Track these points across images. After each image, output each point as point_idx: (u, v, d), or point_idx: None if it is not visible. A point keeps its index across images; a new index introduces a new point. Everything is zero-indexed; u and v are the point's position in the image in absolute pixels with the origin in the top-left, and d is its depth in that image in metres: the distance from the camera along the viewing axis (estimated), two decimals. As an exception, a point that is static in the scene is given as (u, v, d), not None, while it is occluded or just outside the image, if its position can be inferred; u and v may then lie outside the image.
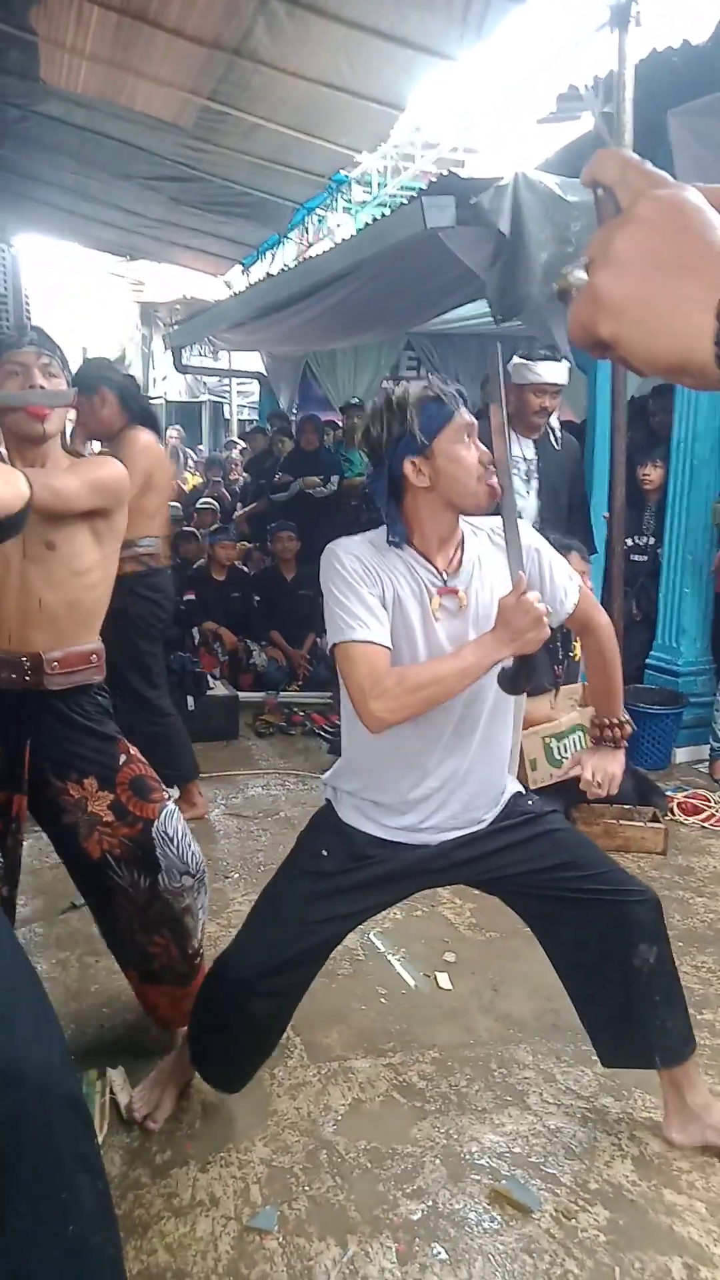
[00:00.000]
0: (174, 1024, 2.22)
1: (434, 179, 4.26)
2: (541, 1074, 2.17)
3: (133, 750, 2.09)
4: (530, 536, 1.75)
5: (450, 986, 2.54)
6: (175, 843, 2.05)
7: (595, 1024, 1.91)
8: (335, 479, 6.84)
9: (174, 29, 4.76)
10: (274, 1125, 2.00)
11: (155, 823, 2.04)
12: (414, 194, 4.39)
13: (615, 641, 1.88)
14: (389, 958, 2.68)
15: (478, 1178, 1.85)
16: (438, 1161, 1.90)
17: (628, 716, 1.91)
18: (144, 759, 2.10)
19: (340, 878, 1.79)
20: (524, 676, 1.62)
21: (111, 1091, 2.06)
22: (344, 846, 1.80)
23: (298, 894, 1.81)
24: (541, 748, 3.45)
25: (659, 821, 3.50)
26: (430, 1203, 1.79)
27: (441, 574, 1.68)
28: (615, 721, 1.88)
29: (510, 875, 1.82)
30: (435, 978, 2.58)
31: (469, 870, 1.84)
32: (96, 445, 3.41)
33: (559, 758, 3.43)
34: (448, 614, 1.68)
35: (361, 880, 1.79)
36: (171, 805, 2.09)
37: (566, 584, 1.78)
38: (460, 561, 1.71)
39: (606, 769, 1.86)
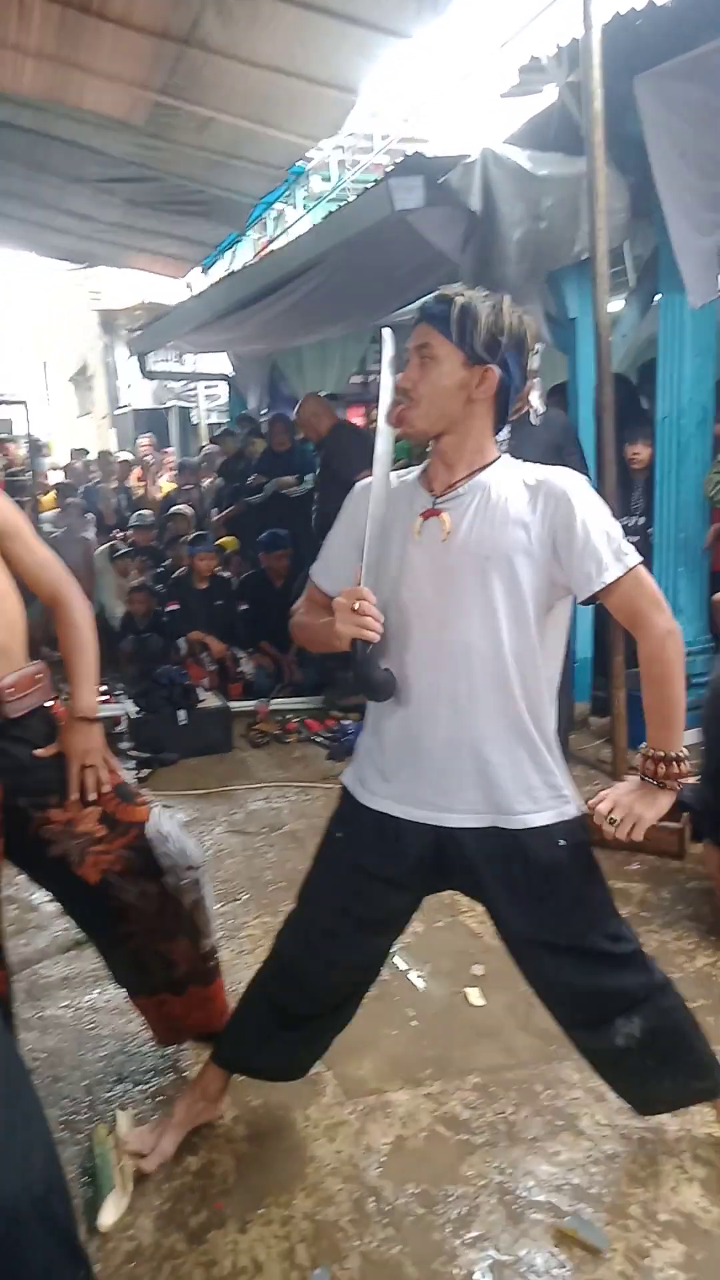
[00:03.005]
0: (209, 1026, 2.10)
1: (398, 160, 4.11)
2: (591, 1093, 2.04)
3: None
4: (563, 481, 1.52)
5: (483, 1002, 2.42)
6: (172, 839, 1.96)
7: (618, 1089, 1.80)
8: (310, 477, 6.69)
9: (119, 19, 4.60)
10: (314, 1173, 1.86)
11: (148, 824, 1.95)
12: (375, 181, 4.26)
13: (675, 651, 1.52)
14: (415, 976, 2.55)
15: (539, 1216, 1.73)
16: (494, 1201, 1.77)
17: (685, 752, 1.53)
18: (116, 767, 2.00)
19: (351, 864, 1.70)
20: (358, 676, 1.55)
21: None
22: (350, 826, 1.71)
23: (318, 881, 1.79)
24: None
25: (677, 820, 3.35)
26: (493, 1250, 1.66)
27: (433, 497, 1.58)
28: (662, 754, 1.52)
29: (501, 920, 1.69)
30: (466, 994, 2.46)
31: (475, 886, 1.68)
32: None
33: None
34: (430, 538, 1.55)
35: (373, 866, 1.67)
36: (157, 805, 2.01)
37: (602, 555, 1.47)
38: (459, 487, 1.56)
39: (634, 809, 1.51)
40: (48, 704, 1.95)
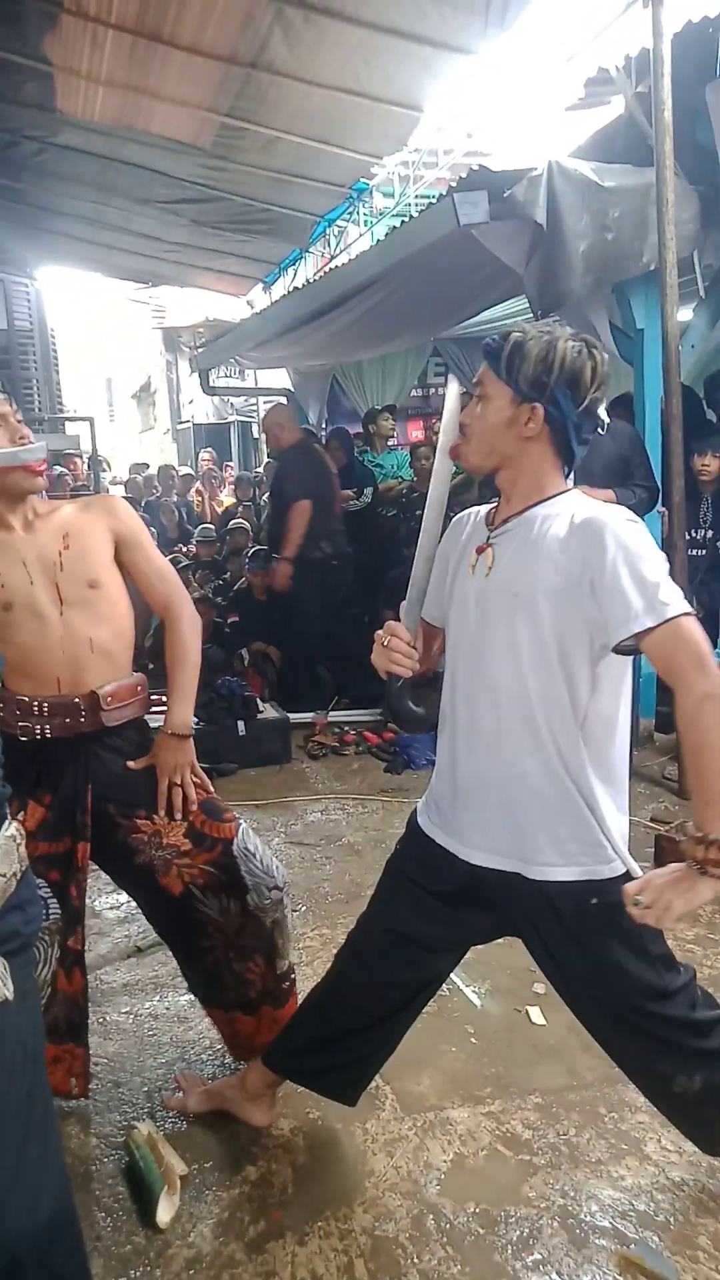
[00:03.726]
0: None
1: (463, 175, 4.12)
2: (656, 1118, 1.97)
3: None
4: (605, 518, 1.43)
5: (544, 1021, 2.37)
6: (258, 857, 1.98)
7: (680, 1127, 1.72)
8: (369, 490, 6.70)
9: (189, 46, 4.72)
10: (372, 1188, 1.84)
11: (234, 841, 1.96)
12: (439, 196, 4.27)
13: (715, 719, 1.33)
14: (470, 993, 2.52)
15: (603, 1242, 1.68)
16: (555, 1224, 1.73)
17: None
18: (206, 781, 2.02)
19: (408, 877, 1.72)
20: (388, 708, 1.62)
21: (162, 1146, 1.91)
22: (412, 844, 1.74)
23: (380, 887, 1.80)
24: None
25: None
26: (555, 1274, 1.62)
27: (489, 532, 1.58)
28: (700, 835, 1.33)
29: (541, 968, 1.66)
30: (527, 1012, 2.42)
31: (513, 930, 1.65)
32: None
33: None
34: (479, 572, 1.56)
35: (426, 884, 1.68)
36: (244, 823, 2.01)
37: (631, 601, 1.36)
38: (510, 522, 1.54)
39: (664, 894, 1.33)
40: (141, 717, 1.99)
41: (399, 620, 1.64)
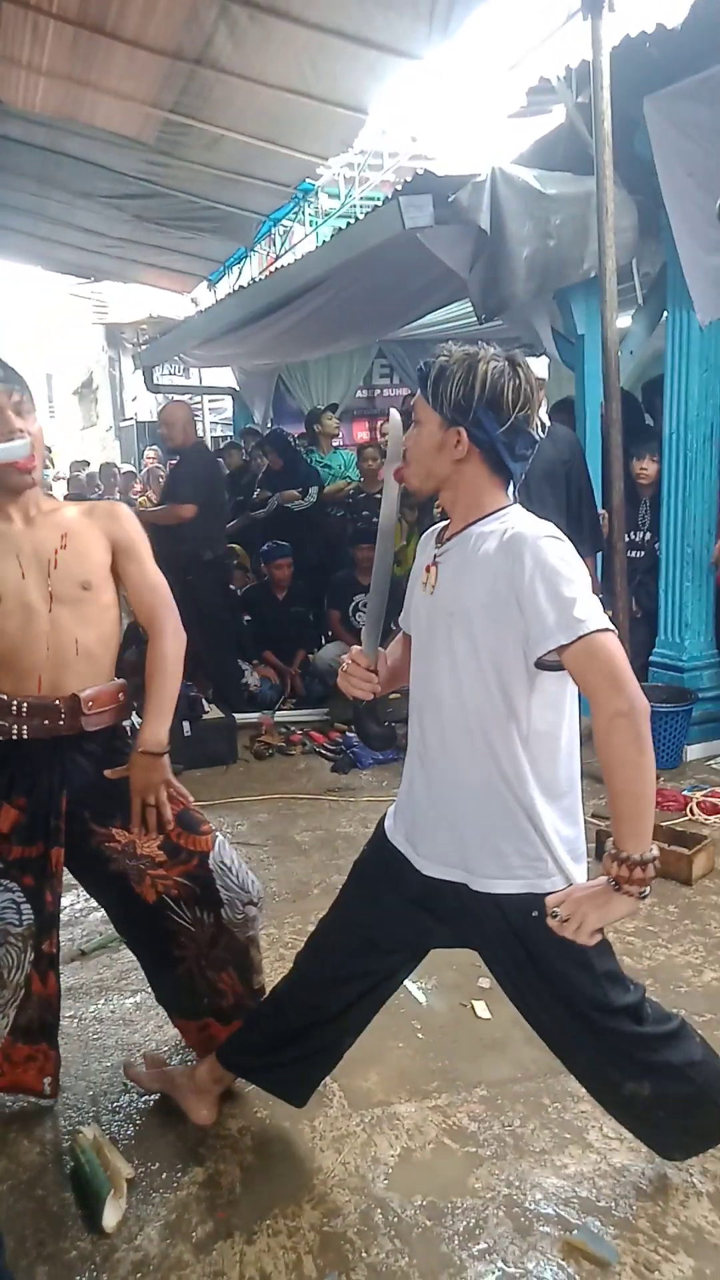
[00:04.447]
0: None
1: (408, 179, 4.15)
2: (598, 1107, 2.00)
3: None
4: (527, 535, 1.43)
5: (489, 1015, 2.41)
6: (234, 871, 1.97)
7: (632, 1131, 1.78)
8: (314, 490, 6.71)
9: (133, 40, 4.67)
10: (321, 1184, 1.85)
11: (210, 855, 1.95)
12: (384, 199, 4.30)
13: (626, 737, 1.34)
14: (416, 989, 2.54)
15: (546, 1229, 1.72)
16: (501, 1213, 1.76)
17: (652, 853, 1.37)
18: (185, 794, 2.00)
19: (373, 879, 1.76)
20: (355, 727, 1.75)
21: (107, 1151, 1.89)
22: (377, 849, 1.77)
23: (344, 890, 1.84)
24: None
25: (686, 846, 3.29)
26: (500, 1262, 1.65)
27: (436, 550, 1.61)
28: (614, 852, 1.38)
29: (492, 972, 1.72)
30: (472, 1006, 2.45)
31: (464, 938, 1.70)
32: None
33: None
34: (427, 590, 1.60)
35: (389, 888, 1.71)
36: (221, 836, 2.01)
37: (547, 618, 1.37)
38: (450, 541, 1.57)
39: (581, 908, 1.40)
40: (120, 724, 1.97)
41: (357, 626, 1.69)
